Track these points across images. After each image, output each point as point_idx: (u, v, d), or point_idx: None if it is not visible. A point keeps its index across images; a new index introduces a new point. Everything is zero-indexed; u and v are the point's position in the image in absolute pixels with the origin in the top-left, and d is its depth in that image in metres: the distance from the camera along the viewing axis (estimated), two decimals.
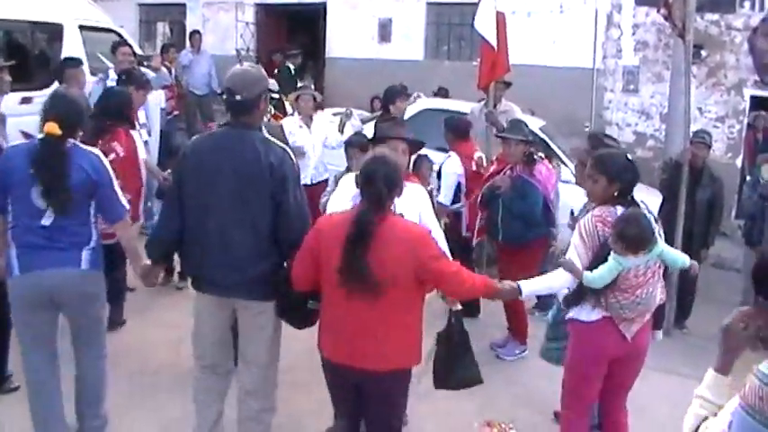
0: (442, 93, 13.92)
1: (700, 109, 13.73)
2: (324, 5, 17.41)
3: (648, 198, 5.82)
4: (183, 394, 4.81)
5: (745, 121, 13.78)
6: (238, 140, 4.20)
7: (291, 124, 8.69)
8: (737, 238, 10.30)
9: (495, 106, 8.71)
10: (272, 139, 4.35)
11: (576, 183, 5.70)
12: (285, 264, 4.38)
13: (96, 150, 4.75)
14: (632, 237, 4.34)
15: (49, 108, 4.55)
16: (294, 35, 18.72)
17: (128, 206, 4.81)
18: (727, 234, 11.43)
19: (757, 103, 13.38)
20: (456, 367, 4.47)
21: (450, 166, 7.59)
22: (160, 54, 12.86)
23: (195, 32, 15.99)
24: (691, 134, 8.48)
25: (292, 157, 4.33)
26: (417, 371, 5.61)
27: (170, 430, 5.19)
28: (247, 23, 18.17)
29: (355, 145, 6.29)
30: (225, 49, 17.20)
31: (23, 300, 4.52)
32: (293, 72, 14.93)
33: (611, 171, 4.58)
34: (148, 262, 4.56)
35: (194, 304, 4.52)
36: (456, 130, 7.91)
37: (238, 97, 4.19)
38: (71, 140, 4.50)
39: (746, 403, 1.27)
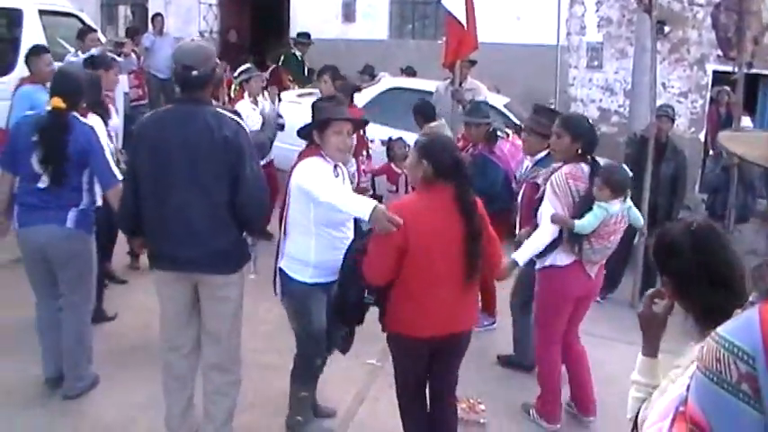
0: (408, 72, 13.91)
1: (663, 84, 13.84)
2: None
3: None
4: (152, 377, 4.82)
5: (708, 96, 13.91)
6: (191, 116, 4.20)
7: (246, 107, 8.70)
8: (701, 211, 10.42)
9: (460, 84, 8.74)
10: (225, 111, 4.36)
11: (525, 153, 6.25)
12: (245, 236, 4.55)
13: (91, 123, 5.20)
14: (619, 181, 5.14)
15: (55, 84, 5.17)
16: (258, 16, 18.57)
17: (120, 176, 4.97)
18: (690, 207, 11.54)
19: (719, 77, 13.50)
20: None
21: None
22: (130, 39, 12.82)
23: (157, 15, 15.82)
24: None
25: (246, 129, 4.35)
26: (378, 353, 5.70)
27: (140, 411, 5.19)
28: (210, 5, 18.01)
29: None
30: (188, 31, 16.98)
31: (24, 252, 5.19)
32: (301, 59, 14.71)
33: (575, 130, 5.21)
34: None
35: (156, 285, 4.53)
36: (343, 94, 8.13)
37: (195, 72, 4.20)
38: (72, 113, 5.04)
39: (704, 366, 1.30)
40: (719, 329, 1.31)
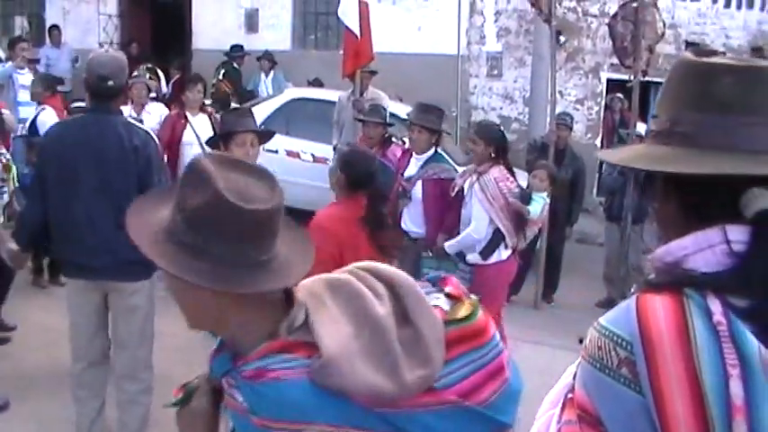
0: (316, 83, 13.97)
1: (560, 92, 14.16)
2: None
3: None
4: (61, 395, 4.75)
5: (603, 103, 14.35)
6: (101, 125, 4.22)
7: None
8: (599, 214, 10.74)
9: (361, 94, 8.85)
10: (134, 122, 4.41)
11: (415, 151, 6.55)
12: None
13: None
14: (556, 174, 6.61)
15: None
16: (159, 27, 18.31)
17: None
18: (589, 210, 11.89)
19: (613, 85, 13.94)
20: None
21: (47, 117, 7.95)
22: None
23: (54, 27, 15.49)
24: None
25: (155, 139, 4.41)
26: None
27: (50, 431, 5.08)
28: (110, 16, 17.65)
29: None
30: (87, 42, 16.60)
31: None
32: (239, 70, 14.84)
33: (487, 135, 5.80)
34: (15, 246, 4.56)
35: (66, 294, 4.50)
36: (46, 87, 8.60)
37: (111, 83, 4.20)
38: None
39: (588, 354, 1.37)
40: (601, 319, 1.41)
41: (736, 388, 1.24)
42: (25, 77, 10.19)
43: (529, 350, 6.75)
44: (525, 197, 5.93)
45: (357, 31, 8.43)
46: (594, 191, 13.09)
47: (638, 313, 1.33)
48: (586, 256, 10.22)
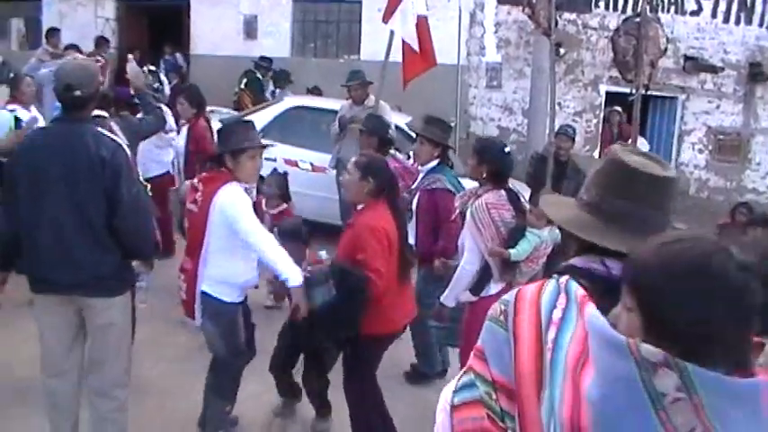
0: (315, 91, 13.96)
1: (559, 104, 14.21)
2: (187, 1, 17.08)
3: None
4: (34, 416, 4.65)
5: (602, 116, 14.37)
6: (70, 136, 4.10)
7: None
8: None
9: (362, 104, 8.99)
10: (104, 132, 4.26)
11: (417, 162, 6.63)
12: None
13: None
14: None
15: None
16: (157, 32, 18.28)
17: None
18: None
19: (612, 98, 13.97)
20: None
21: None
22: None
23: (53, 30, 15.38)
24: (555, 128, 8.83)
25: (126, 150, 4.25)
26: None
27: None
28: (107, 19, 17.62)
29: None
30: (84, 46, 16.56)
31: None
32: (262, 82, 14.71)
33: (481, 153, 5.27)
34: None
35: (35, 309, 4.35)
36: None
37: (78, 93, 4.09)
38: None
39: (490, 315, 2.03)
40: (505, 296, 2.05)
41: (558, 312, 1.87)
42: None
43: None
44: (518, 231, 5.15)
45: (415, 45, 8.97)
46: None
47: (520, 290, 2.02)
48: None
